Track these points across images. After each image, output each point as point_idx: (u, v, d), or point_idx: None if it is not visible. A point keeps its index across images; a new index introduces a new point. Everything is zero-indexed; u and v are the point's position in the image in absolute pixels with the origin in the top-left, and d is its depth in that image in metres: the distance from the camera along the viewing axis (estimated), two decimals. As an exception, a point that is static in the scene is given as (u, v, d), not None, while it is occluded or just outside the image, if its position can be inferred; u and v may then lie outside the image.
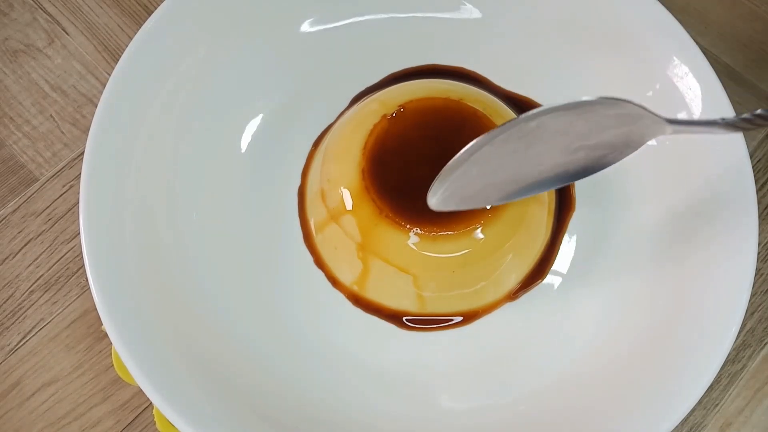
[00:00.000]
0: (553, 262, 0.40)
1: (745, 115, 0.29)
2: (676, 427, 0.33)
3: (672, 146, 0.39)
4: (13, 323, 0.40)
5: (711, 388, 0.38)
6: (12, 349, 0.40)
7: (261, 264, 0.39)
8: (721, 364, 0.33)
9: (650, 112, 0.30)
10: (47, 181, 0.43)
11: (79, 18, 0.47)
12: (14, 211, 0.43)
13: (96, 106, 0.37)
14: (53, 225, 0.42)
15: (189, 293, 0.37)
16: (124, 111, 0.37)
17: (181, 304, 0.36)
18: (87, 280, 0.34)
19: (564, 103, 0.30)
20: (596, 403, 0.35)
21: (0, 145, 0.44)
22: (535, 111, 0.30)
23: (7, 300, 0.41)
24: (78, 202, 0.35)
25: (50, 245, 0.42)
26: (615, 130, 0.31)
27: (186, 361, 0.34)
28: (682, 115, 0.39)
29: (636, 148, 0.32)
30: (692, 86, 0.39)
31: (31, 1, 0.48)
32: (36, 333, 0.40)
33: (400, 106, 0.38)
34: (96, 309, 0.33)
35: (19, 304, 0.41)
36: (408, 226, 0.36)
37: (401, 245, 0.36)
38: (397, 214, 0.36)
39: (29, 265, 0.41)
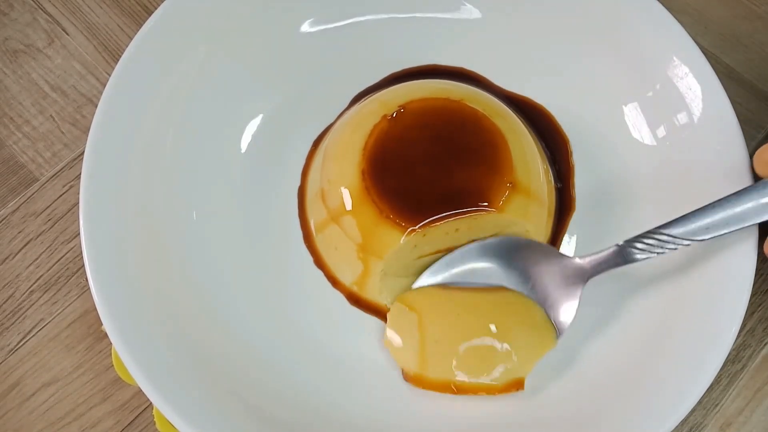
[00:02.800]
0: (553, 263, 0.40)
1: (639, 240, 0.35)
2: (677, 427, 0.33)
3: (672, 146, 0.39)
4: (13, 323, 0.40)
5: (711, 388, 0.38)
6: (12, 349, 0.40)
7: (261, 264, 0.39)
8: (721, 364, 0.33)
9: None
10: (47, 181, 0.43)
11: (79, 18, 0.47)
12: (14, 211, 0.43)
13: (96, 106, 0.37)
14: (53, 225, 0.42)
15: (189, 293, 0.37)
16: (124, 111, 0.37)
17: (181, 304, 0.36)
18: (87, 280, 0.34)
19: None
20: (596, 404, 0.35)
21: (0, 145, 0.44)
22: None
23: (7, 300, 0.41)
24: (78, 202, 0.35)
25: (50, 245, 0.42)
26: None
27: (186, 361, 0.34)
28: (681, 116, 0.39)
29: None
30: (692, 86, 0.39)
31: (31, 1, 0.48)
32: (36, 333, 0.40)
33: (400, 106, 0.38)
34: (96, 309, 0.33)
35: (19, 304, 0.41)
36: (408, 227, 0.36)
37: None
38: (398, 215, 0.36)
39: (29, 265, 0.41)
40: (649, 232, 0.35)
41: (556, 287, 0.37)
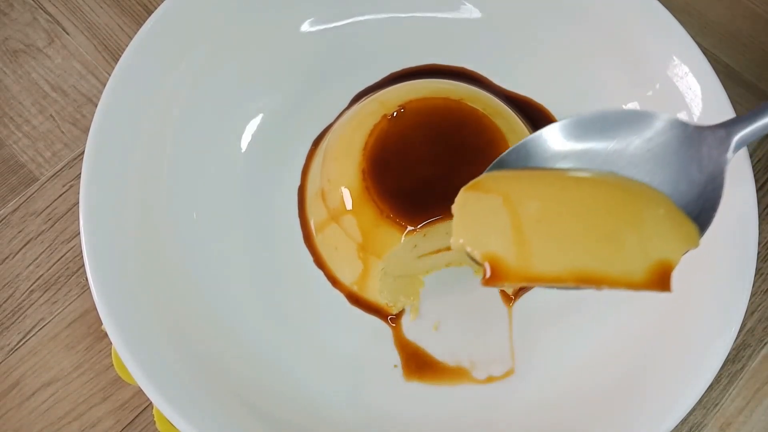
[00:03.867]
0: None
1: None
2: (677, 426, 0.33)
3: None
4: (13, 323, 0.40)
5: (711, 387, 0.38)
6: (12, 349, 0.40)
7: (261, 263, 0.39)
8: (721, 363, 0.33)
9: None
10: (47, 180, 0.43)
11: (79, 18, 0.47)
12: (14, 210, 0.43)
13: (96, 106, 0.37)
14: (53, 225, 0.42)
15: (189, 293, 0.37)
16: (124, 111, 0.37)
17: (181, 304, 0.36)
18: (87, 279, 0.34)
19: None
20: (596, 403, 0.35)
21: (0, 144, 0.44)
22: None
23: (7, 300, 0.41)
24: (78, 202, 0.35)
25: (50, 245, 0.42)
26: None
27: (186, 360, 0.34)
28: (681, 116, 0.39)
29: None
30: (692, 86, 0.38)
31: (31, 1, 0.48)
32: (36, 333, 0.40)
33: (400, 106, 0.38)
34: (96, 309, 0.33)
35: (19, 304, 0.41)
36: (408, 227, 0.36)
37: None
38: (398, 215, 0.36)
39: (29, 265, 0.41)
40: None
41: (685, 168, 0.28)
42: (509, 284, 0.28)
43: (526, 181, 0.29)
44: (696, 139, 0.29)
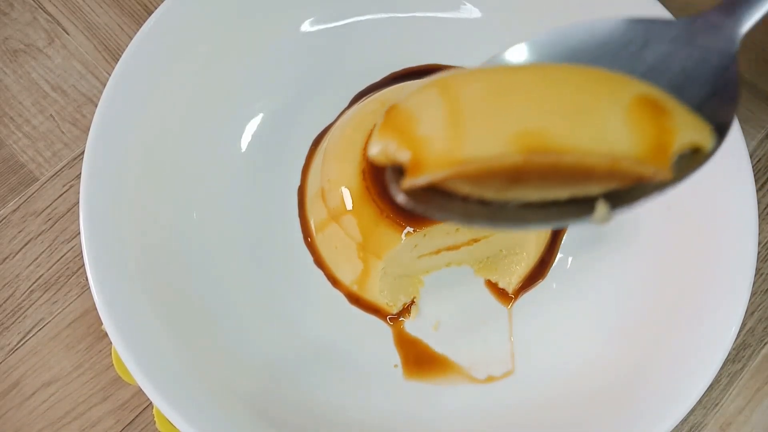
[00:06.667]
0: (553, 262, 0.40)
1: None
2: (677, 426, 0.33)
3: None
4: (13, 323, 0.40)
5: (711, 387, 0.38)
6: (12, 349, 0.40)
7: (261, 263, 0.39)
8: (721, 363, 0.33)
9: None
10: (47, 180, 0.43)
11: (79, 18, 0.47)
12: (14, 210, 0.43)
13: (96, 106, 0.37)
14: (53, 225, 0.42)
15: (189, 293, 0.37)
16: (124, 110, 0.37)
17: (180, 304, 0.36)
18: (87, 279, 0.34)
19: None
20: (596, 403, 0.35)
21: (0, 144, 0.44)
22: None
23: (7, 300, 0.41)
24: (78, 202, 0.35)
25: (50, 245, 0.42)
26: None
27: (185, 360, 0.34)
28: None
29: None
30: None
31: (31, 1, 0.48)
32: (36, 333, 0.40)
33: (400, 105, 0.38)
34: (96, 309, 0.33)
35: (19, 304, 0.41)
36: (409, 227, 0.36)
37: (401, 245, 0.36)
38: (398, 215, 0.36)
39: (29, 265, 0.41)
40: None
41: (686, 68, 0.23)
42: (439, 173, 0.21)
43: (480, 71, 0.23)
44: (696, 34, 0.24)
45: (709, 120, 0.23)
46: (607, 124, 0.21)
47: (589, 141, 0.21)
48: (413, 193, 0.22)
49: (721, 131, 0.23)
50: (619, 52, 0.25)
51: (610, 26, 0.25)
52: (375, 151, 0.23)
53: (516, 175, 0.21)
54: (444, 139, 0.21)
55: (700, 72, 0.24)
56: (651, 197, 0.23)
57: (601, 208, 0.22)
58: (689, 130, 0.22)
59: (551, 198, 0.23)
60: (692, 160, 0.23)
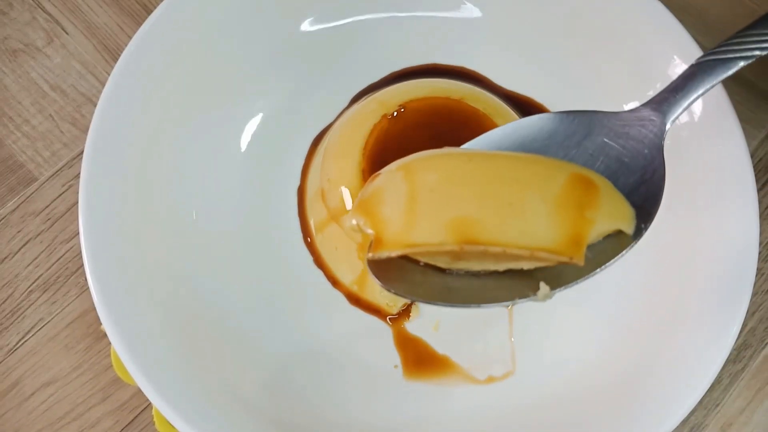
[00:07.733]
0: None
1: None
2: (677, 427, 0.33)
3: (672, 146, 0.39)
4: (12, 323, 0.40)
5: (712, 388, 0.38)
6: (11, 349, 0.40)
7: (261, 263, 0.39)
8: (722, 363, 0.33)
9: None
10: (46, 180, 0.43)
11: (79, 17, 0.47)
12: (13, 210, 0.43)
13: (95, 106, 0.37)
14: (52, 225, 0.42)
15: (188, 293, 0.37)
16: (124, 110, 0.37)
17: (180, 304, 0.36)
18: (86, 279, 0.34)
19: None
20: (597, 403, 0.35)
21: (-1, 144, 0.44)
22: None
23: (6, 300, 0.41)
24: (77, 202, 0.35)
25: (49, 245, 0.42)
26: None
27: (185, 360, 0.34)
28: (681, 114, 0.39)
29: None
30: (693, 86, 0.38)
31: (31, 1, 0.48)
32: (35, 333, 0.40)
33: (400, 105, 0.38)
34: (95, 309, 0.33)
35: (18, 304, 0.41)
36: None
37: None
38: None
39: (28, 265, 0.41)
40: (737, 33, 0.28)
41: (620, 157, 0.27)
42: (394, 252, 0.26)
43: (438, 158, 0.28)
44: (631, 126, 0.28)
45: (636, 206, 0.27)
46: (531, 218, 0.25)
47: (512, 236, 0.25)
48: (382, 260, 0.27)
49: (645, 217, 0.27)
50: (564, 142, 0.29)
51: (558, 119, 0.29)
52: (350, 224, 0.28)
53: (457, 254, 0.27)
54: (399, 224, 0.27)
55: (632, 161, 0.28)
56: (585, 279, 0.27)
57: (543, 289, 0.27)
58: (612, 215, 0.26)
59: (491, 269, 0.28)
60: (618, 241, 0.27)
